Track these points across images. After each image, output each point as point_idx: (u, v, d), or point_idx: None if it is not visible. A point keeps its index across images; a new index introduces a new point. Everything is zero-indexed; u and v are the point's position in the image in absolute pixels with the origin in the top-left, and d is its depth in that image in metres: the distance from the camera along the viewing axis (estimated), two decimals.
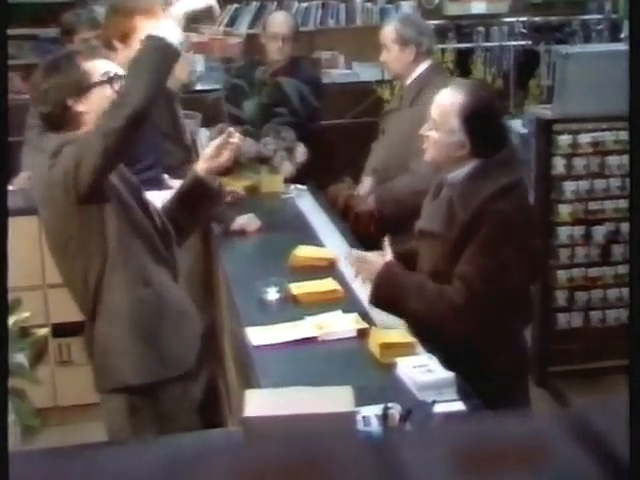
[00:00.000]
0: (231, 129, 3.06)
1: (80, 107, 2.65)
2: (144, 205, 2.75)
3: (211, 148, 3.00)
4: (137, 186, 2.77)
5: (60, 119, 2.65)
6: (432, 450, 0.62)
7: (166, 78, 2.67)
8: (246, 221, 3.93)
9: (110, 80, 2.69)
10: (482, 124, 2.80)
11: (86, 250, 2.65)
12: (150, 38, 2.61)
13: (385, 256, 2.90)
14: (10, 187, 4.36)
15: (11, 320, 2.02)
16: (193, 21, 3.47)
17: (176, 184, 3.54)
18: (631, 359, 0.72)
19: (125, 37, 3.41)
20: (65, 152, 2.55)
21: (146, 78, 2.53)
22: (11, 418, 1.95)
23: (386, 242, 2.99)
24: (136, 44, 3.40)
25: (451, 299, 2.70)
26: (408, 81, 4.26)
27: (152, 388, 2.72)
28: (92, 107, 2.65)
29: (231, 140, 2.99)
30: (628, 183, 4.50)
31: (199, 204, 3.04)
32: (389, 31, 4.27)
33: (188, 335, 2.83)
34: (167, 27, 2.62)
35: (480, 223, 2.69)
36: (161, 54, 2.57)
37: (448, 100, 2.84)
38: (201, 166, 2.98)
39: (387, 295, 2.83)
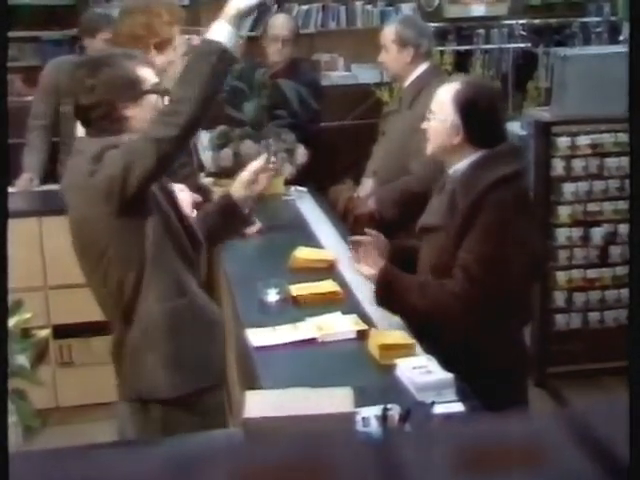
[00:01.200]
0: (268, 156, 3.03)
1: (128, 112, 2.55)
2: (178, 211, 2.67)
3: (249, 173, 2.95)
4: (172, 191, 2.70)
5: (103, 120, 2.53)
6: (431, 451, 0.62)
7: (222, 83, 2.58)
8: None
9: (162, 92, 2.60)
10: (476, 110, 2.83)
11: (124, 258, 2.56)
12: (205, 42, 2.49)
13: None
14: (12, 189, 4.36)
15: (12, 321, 2.02)
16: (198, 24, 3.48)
17: (174, 187, 3.54)
18: (631, 360, 0.72)
19: (163, 44, 3.41)
20: (109, 157, 2.45)
21: (201, 85, 2.40)
22: (13, 419, 1.95)
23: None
24: (171, 51, 3.42)
25: (452, 290, 2.72)
26: (407, 82, 4.27)
27: (185, 399, 2.64)
28: (139, 114, 2.56)
29: (270, 166, 2.98)
30: (627, 184, 4.50)
31: (228, 226, 3.01)
32: (389, 32, 4.29)
33: (218, 343, 2.77)
34: (221, 30, 2.47)
35: (479, 211, 2.71)
36: (216, 59, 2.43)
37: (445, 90, 2.90)
38: (238, 191, 2.94)
39: (390, 296, 2.86)
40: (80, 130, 2.69)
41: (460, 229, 2.74)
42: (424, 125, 2.95)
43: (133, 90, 2.56)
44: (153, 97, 2.60)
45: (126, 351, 2.66)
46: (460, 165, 2.85)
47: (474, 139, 2.83)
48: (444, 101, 2.87)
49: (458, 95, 2.84)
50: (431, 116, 2.91)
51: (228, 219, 2.96)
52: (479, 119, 2.84)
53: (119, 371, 2.74)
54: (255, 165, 2.98)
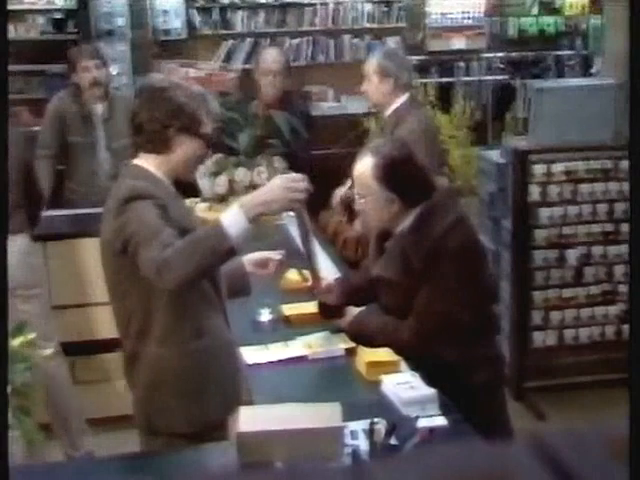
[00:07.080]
0: (274, 255, 2.98)
1: (177, 140, 2.54)
2: None
3: (259, 257, 2.94)
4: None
5: (154, 136, 2.52)
6: None
7: (218, 266, 2.48)
8: None
9: (210, 141, 2.62)
10: (400, 177, 2.77)
11: (136, 296, 2.51)
12: (218, 229, 2.33)
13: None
14: None
15: (17, 341, 2.02)
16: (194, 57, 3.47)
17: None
18: (631, 374, 0.71)
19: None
20: (132, 212, 2.39)
21: (199, 262, 2.31)
22: (16, 433, 1.94)
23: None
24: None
25: (400, 335, 2.76)
26: (388, 112, 4.31)
27: (196, 431, 2.57)
28: (183, 148, 2.56)
29: (275, 257, 2.96)
30: (599, 209, 4.53)
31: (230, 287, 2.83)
32: (371, 63, 4.34)
33: (235, 379, 2.69)
34: (237, 223, 2.34)
35: (433, 264, 2.69)
36: (222, 251, 2.33)
37: (363, 169, 2.80)
38: (249, 266, 2.91)
39: (357, 338, 2.90)
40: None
41: (416, 284, 2.73)
42: (358, 207, 2.87)
43: (192, 124, 2.54)
44: (198, 144, 2.58)
45: (143, 387, 2.60)
46: (403, 225, 2.80)
47: (409, 201, 2.77)
48: (367, 182, 2.77)
49: (377, 170, 2.75)
50: (361, 199, 2.82)
51: (233, 281, 2.83)
52: (406, 183, 2.77)
53: (135, 402, 2.66)
54: (262, 255, 2.95)
